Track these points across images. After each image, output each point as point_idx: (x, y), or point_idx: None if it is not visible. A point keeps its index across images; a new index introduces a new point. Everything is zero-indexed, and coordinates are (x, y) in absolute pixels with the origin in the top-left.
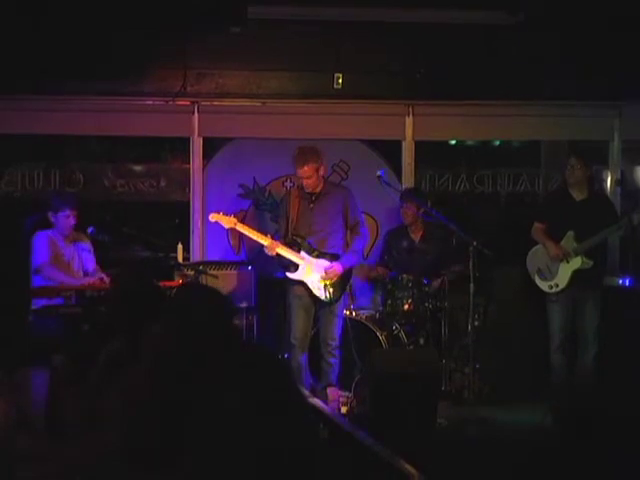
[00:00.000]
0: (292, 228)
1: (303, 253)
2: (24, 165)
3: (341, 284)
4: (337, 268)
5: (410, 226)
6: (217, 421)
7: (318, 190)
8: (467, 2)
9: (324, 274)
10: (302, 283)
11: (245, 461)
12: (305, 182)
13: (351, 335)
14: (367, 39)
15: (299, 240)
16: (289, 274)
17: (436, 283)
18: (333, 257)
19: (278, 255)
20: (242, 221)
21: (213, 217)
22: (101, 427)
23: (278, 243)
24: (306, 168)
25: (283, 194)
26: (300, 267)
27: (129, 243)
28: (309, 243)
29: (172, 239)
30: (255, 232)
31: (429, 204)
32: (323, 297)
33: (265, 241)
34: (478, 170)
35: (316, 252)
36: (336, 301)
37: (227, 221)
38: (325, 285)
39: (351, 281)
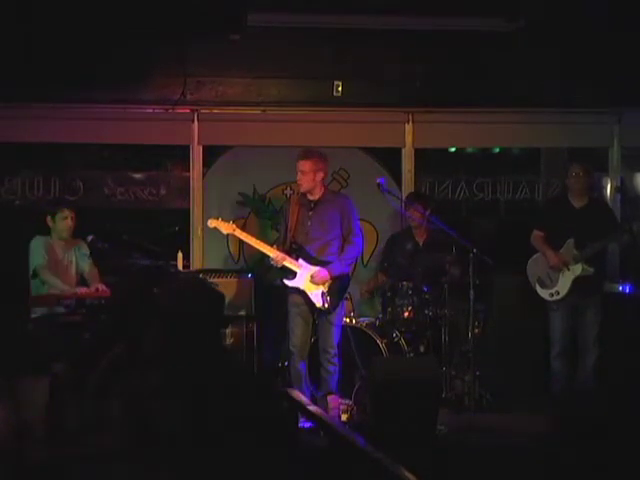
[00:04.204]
0: (290, 236)
1: (301, 261)
2: (24, 173)
3: (338, 292)
4: (323, 273)
5: (416, 229)
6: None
7: (317, 197)
8: (466, 9)
9: (310, 279)
10: (300, 291)
11: None
12: (300, 178)
13: (353, 343)
14: (367, 46)
15: (297, 248)
16: (287, 282)
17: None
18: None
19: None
20: (242, 229)
21: (212, 223)
22: (101, 432)
23: (283, 254)
24: (305, 162)
25: (283, 202)
26: (298, 275)
27: (129, 251)
28: (307, 251)
29: (172, 247)
30: (253, 239)
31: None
32: (320, 305)
33: (270, 252)
34: (478, 177)
35: (314, 260)
36: (333, 309)
37: (226, 227)
38: (322, 293)
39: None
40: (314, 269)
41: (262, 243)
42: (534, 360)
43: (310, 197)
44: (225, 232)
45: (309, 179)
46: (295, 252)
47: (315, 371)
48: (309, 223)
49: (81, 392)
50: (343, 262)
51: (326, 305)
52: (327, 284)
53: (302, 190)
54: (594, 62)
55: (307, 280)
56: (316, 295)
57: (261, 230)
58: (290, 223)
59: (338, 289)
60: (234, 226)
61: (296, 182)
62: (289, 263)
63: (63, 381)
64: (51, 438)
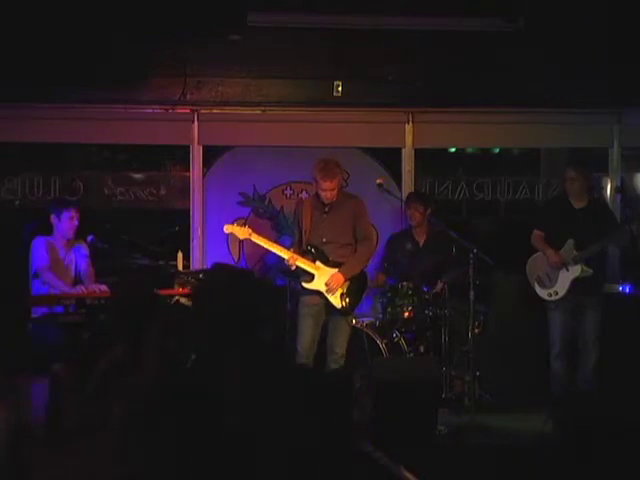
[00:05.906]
0: (306, 238)
1: (318, 263)
2: (24, 173)
3: (357, 293)
4: (338, 278)
5: (416, 228)
6: None
7: (331, 200)
8: (466, 9)
9: (325, 287)
10: (317, 292)
11: None
12: (328, 194)
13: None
14: (367, 46)
15: (313, 250)
16: (305, 284)
17: (439, 286)
18: None
19: (297, 266)
20: None
21: (227, 228)
22: (101, 433)
23: (297, 255)
24: (333, 182)
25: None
26: (316, 277)
27: (129, 251)
28: (323, 252)
29: (172, 247)
30: (270, 243)
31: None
32: (339, 306)
33: (285, 254)
34: (478, 177)
35: (331, 261)
36: (352, 310)
37: (242, 232)
38: (342, 294)
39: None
40: (330, 271)
41: (277, 245)
42: (534, 360)
43: (324, 200)
44: (241, 237)
45: (335, 192)
46: (311, 254)
47: None
48: (324, 226)
49: (81, 392)
50: (356, 263)
51: (345, 305)
52: (345, 285)
53: (327, 201)
54: (594, 62)
55: (325, 284)
56: (335, 297)
57: (261, 230)
58: (305, 225)
59: (357, 289)
60: (250, 230)
61: (297, 182)
62: (304, 264)
63: (63, 381)
64: (51, 438)
